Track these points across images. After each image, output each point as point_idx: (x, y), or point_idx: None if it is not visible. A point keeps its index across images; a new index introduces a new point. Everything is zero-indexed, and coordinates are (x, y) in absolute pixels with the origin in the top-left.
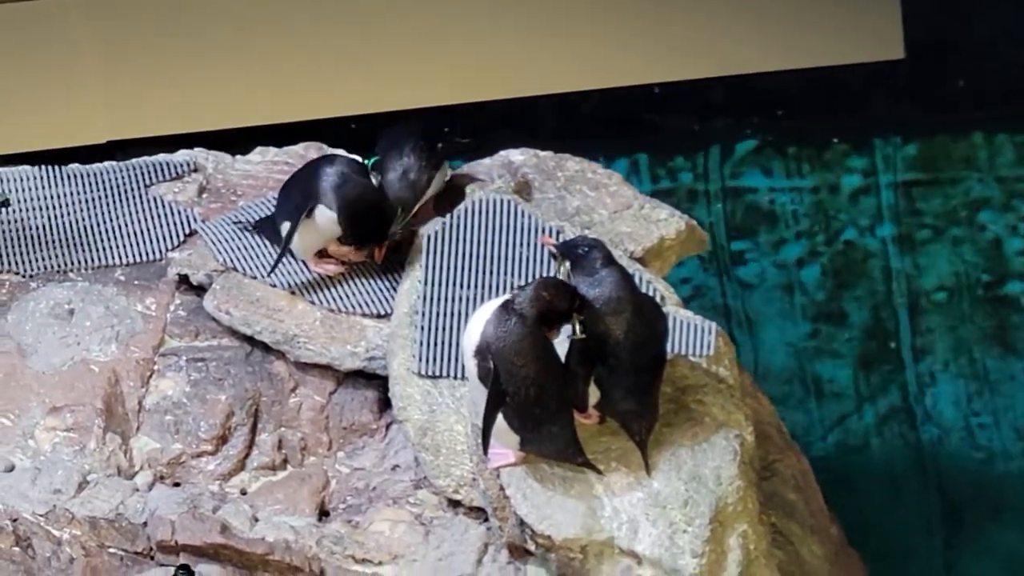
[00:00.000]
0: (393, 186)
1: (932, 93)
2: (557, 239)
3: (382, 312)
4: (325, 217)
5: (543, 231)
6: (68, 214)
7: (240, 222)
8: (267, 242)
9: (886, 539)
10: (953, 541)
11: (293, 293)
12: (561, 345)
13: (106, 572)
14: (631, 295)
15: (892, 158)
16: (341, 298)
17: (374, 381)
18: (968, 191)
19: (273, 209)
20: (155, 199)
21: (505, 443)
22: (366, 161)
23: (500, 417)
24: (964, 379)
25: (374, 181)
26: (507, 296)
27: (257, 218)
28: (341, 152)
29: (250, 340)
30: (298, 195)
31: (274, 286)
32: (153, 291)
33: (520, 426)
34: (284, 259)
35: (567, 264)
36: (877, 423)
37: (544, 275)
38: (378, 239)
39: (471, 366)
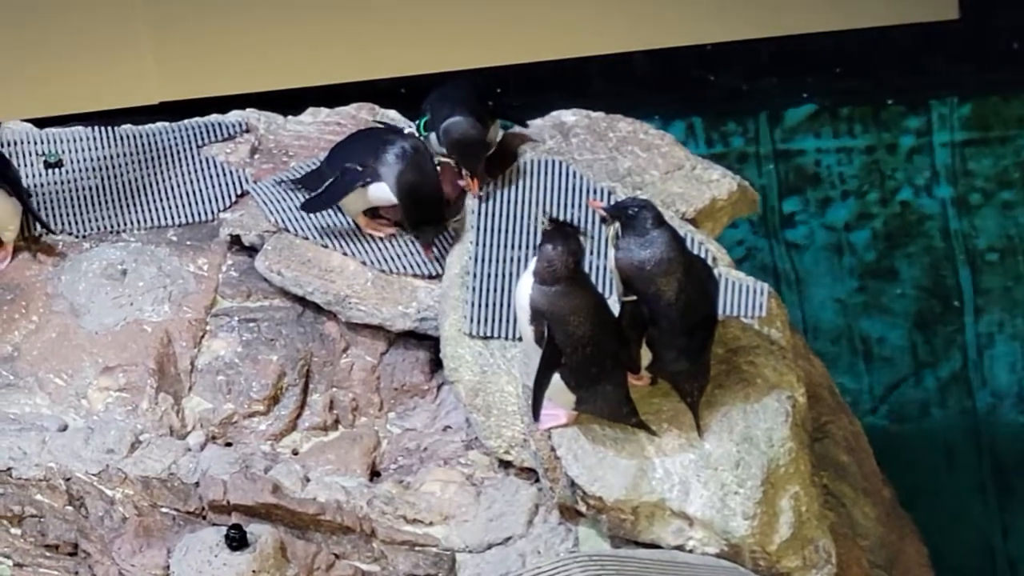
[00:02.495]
0: (451, 134)
1: (986, 53)
2: (608, 200)
3: (433, 273)
4: (381, 193)
5: (594, 192)
6: (121, 175)
7: (285, 181)
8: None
9: (938, 502)
10: (1004, 505)
11: (345, 254)
12: (613, 306)
13: (158, 531)
14: (682, 256)
15: (948, 118)
16: (393, 259)
17: (425, 342)
18: (1020, 151)
19: (320, 165)
20: (207, 160)
21: (560, 403)
22: (415, 123)
23: (557, 377)
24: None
25: (432, 147)
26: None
27: (302, 173)
28: (393, 115)
29: (302, 301)
30: (356, 161)
31: (326, 247)
32: (205, 252)
33: (577, 384)
34: (336, 219)
35: (617, 226)
36: (933, 386)
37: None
38: (435, 222)
39: (528, 332)
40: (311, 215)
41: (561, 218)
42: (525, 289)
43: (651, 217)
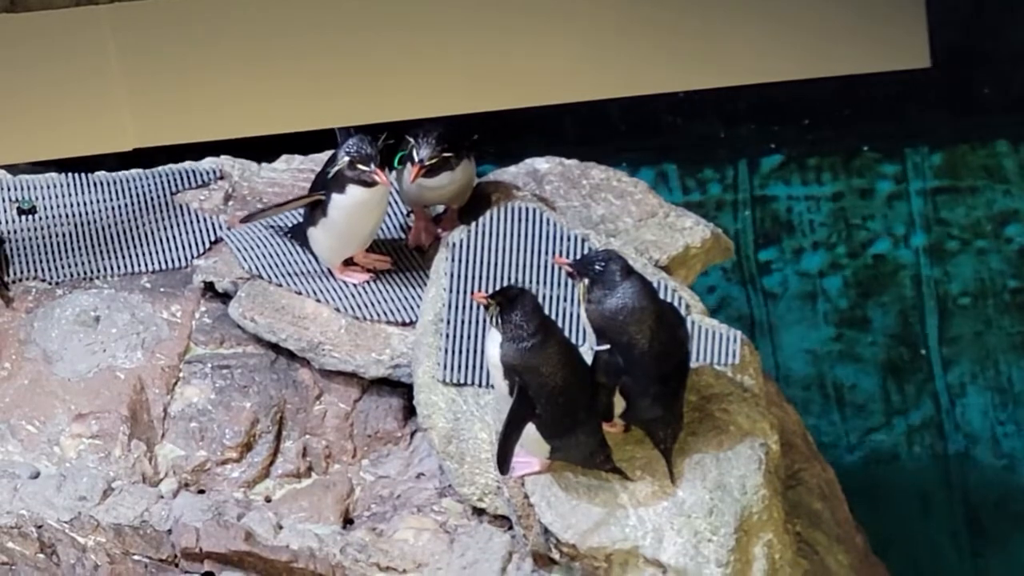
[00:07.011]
0: (420, 145)
1: (957, 102)
2: (583, 247)
3: (407, 320)
4: (339, 206)
5: (568, 239)
6: (94, 221)
7: (274, 226)
8: (296, 248)
9: (911, 548)
10: (978, 551)
11: (318, 301)
12: (587, 354)
13: None
14: (653, 304)
15: (920, 167)
16: (366, 306)
17: (399, 389)
18: (992, 201)
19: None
20: (181, 207)
21: (535, 452)
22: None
23: (531, 427)
24: (991, 390)
25: (403, 187)
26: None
27: (288, 224)
28: None
29: (275, 347)
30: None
31: (299, 293)
32: (179, 298)
33: (552, 435)
34: (310, 266)
35: (586, 281)
36: (905, 433)
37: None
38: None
39: (503, 386)
40: (286, 261)
41: (505, 285)
42: (494, 347)
43: (619, 268)
